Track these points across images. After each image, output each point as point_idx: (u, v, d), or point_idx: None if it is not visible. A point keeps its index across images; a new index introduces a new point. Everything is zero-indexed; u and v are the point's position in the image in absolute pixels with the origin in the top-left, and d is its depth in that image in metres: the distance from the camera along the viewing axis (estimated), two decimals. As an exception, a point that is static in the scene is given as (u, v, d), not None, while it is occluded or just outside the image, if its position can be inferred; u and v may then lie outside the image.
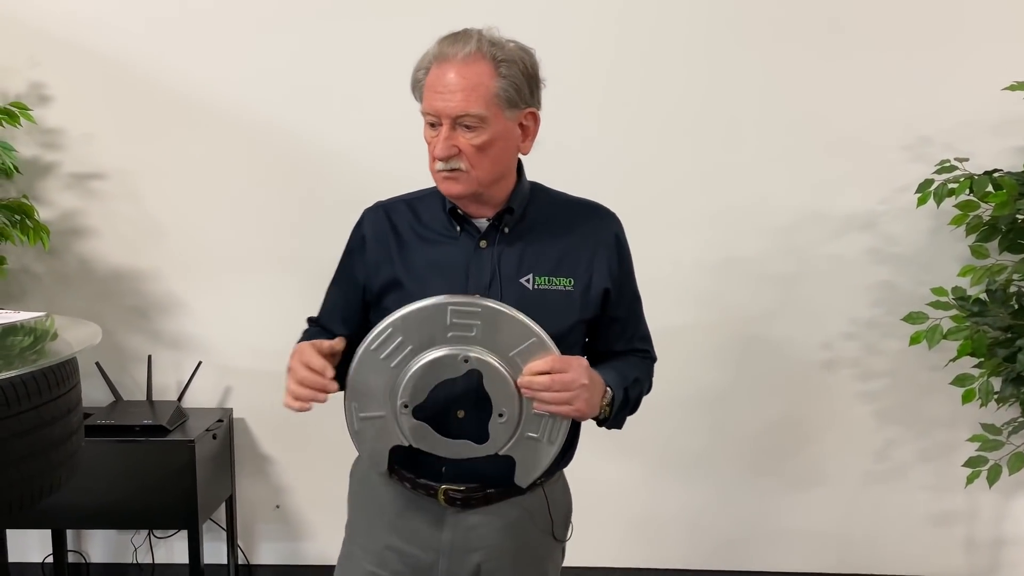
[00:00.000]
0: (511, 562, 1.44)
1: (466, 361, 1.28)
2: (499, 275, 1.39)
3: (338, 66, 2.65)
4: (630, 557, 2.89)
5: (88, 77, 2.67)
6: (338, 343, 1.34)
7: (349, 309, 1.49)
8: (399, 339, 1.29)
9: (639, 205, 2.67)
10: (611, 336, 1.50)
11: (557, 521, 1.51)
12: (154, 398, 2.71)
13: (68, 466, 1.65)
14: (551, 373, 1.26)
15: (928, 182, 2.46)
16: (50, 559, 2.82)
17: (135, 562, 2.90)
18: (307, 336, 1.49)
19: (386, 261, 1.43)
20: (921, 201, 2.46)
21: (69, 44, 2.65)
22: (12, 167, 2.40)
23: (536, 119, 1.41)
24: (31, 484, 1.53)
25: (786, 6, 2.62)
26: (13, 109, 2.47)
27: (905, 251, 2.70)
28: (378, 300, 1.44)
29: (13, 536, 2.78)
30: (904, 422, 2.78)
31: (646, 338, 1.58)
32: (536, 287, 1.40)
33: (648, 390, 1.54)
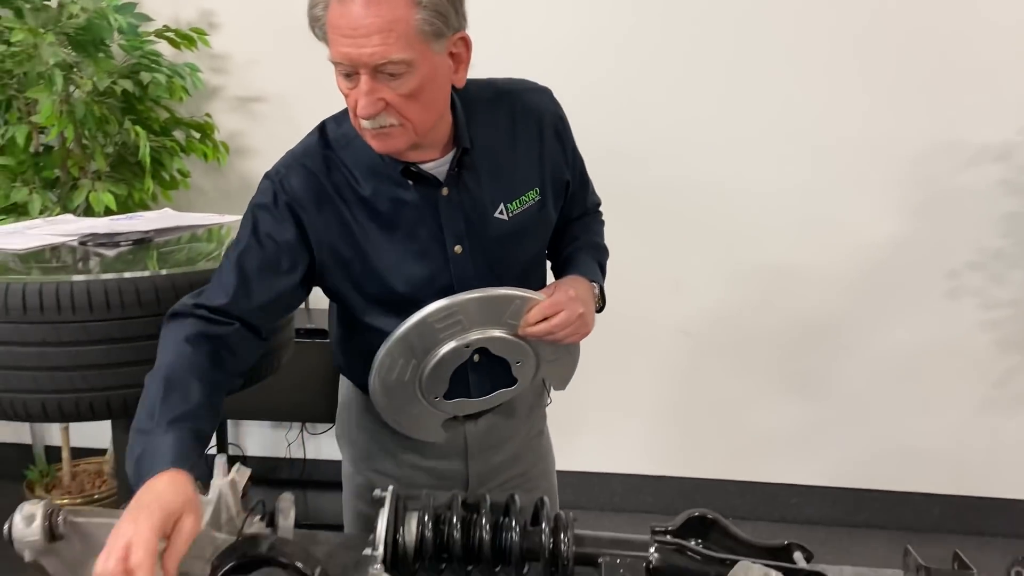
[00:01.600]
0: (527, 443, 1.53)
1: (468, 346, 1.30)
2: (473, 218, 1.30)
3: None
4: (747, 471, 3.04)
5: (253, 6, 2.86)
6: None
7: (284, 267, 1.27)
8: (400, 360, 1.30)
9: (767, 137, 2.78)
10: (570, 209, 1.46)
11: (548, 390, 1.56)
12: (311, 306, 2.95)
13: (283, 352, 1.88)
14: (547, 319, 1.28)
15: (1070, 112, 2.48)
16: (213, 450, 3.13)
17: (288, 456, 3.19)
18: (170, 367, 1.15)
19: (336, 231, 1.26)
20: (1062, 131, 2.49)
21: (236, -26, 2.85)
22: (198, 84, 2.62)
23: (467, 44, 1.20)
24: (262, 363, 1.76)
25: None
26: (192, 34, 2.68)
27: (1038, 182, 2.73)
28: (333, 271, 1.29)
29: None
30: (1025, 351, 2.85)
31: (588, 197, 1.52)
32: (511, 215, 1.32)
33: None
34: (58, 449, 3.00)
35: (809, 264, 2.85)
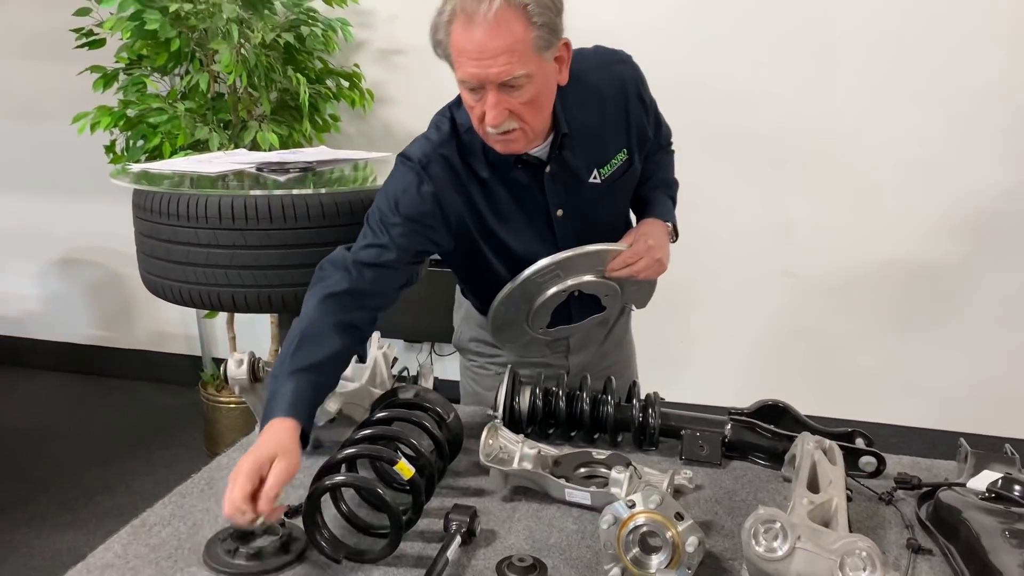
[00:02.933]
0: (614, 343, 1.79)
1: (565, 291, 1.53)
2: (572, 186, 1.50)
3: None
4: (848, 410, 3.15)
5: (396, -36, 3.15)
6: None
7: (426, 249, 1.48)
8: (512, 308, 1.56)
9: (886, 83, 2.84)
10: (648, 151, 1.62)
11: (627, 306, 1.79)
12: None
13: (422, 266, 2.17)
14: (630, 265, 1.50)
15: None
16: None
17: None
18: (310, 323, 1.33)
19: (467, 212, 1.46)
20: None
21: (381, -65, 3.13)
22: (348, 37, 2.94)
23: (568, 46, 1.37)
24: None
25: None
26: (342, -9, 2.99)
27: None
28: (468, 244, 1.50)
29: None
30: None
31: (662, 131, 1.68)
32: (603, 178, 1.52)
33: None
34: (221, 360, 3.45)
35: (922, 210, 2.91)
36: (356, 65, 3.10)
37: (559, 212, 1.52)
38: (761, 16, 2.88)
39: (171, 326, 3.82)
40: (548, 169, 1.47)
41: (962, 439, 1.42)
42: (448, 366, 3.50)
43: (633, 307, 1.78)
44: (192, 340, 3.75)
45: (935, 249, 2.94)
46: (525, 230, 1.51)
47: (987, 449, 1.45)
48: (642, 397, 1.48)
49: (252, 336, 3.42)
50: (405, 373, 1.55)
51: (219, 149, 2.66)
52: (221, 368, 1.34)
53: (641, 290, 1.65)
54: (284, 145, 2.81)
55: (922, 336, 3.03)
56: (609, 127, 1.51)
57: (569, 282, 1.52)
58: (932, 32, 2.77)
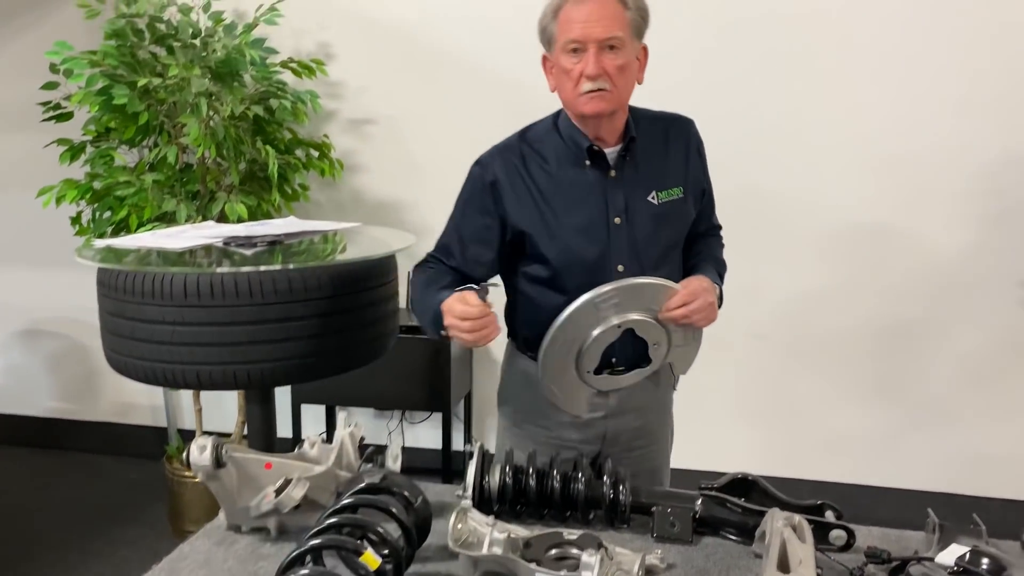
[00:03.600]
0: (655, 413, 1.82)
1: (619, 327, 1.57)
2: (632, 198, 1.63)
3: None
4: (819, 471, 3.17)
5: (365, 39, 3.21)
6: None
7: (490, 234, 1.67)
8: (569, 334, 1.57)
9: (842, 144, 2.92)
10: (699, 222, 1.77)
11: (676, 378, 1.85)
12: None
13: (390, 338, 2.16)
14: (685, 305, 1.56)
15: None
16: (324, 435, 3.46)
17: (388, 444, 3.49)
18: (428, 278, 1.70)
19: (527, 203, 1.62)
20: None
21: (350, 11, 3.20)
22: (317, 108, 2.98)
23: (647, 53, 1.64)
24: (373, 345, 2.05)
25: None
26: (311, 64, 3.03)
27: (1115, 194, 2.78)
28: (521, 240, 1.64)
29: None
30: (1103, 360, 2.89)
31: (713, 215, 1.86)
32: (660, 202, 1.65)
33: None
34: (190, 432, 3.39)
35: (883, 272, 2.97)
36: (325, 136, 3.13)
37: (616, 219, 1.63)
38: (726, 85, 2.96)
39: (136, 397, 3.75)
40: (612, 173, 1.63)
41: (930, 509, 1.43)
42: (420, 434, 3.47)
43: (673, 373, 1.78)
44: (158, 411, 3.68)
45: (898, 311, 3.00)
46: (583, 230, 1.62)
47: (955, 509, 1.46)
48: (613, 473, 1.47)
49: (219, 407, 3.37)
50: (374, 455, 1.53)
51: (187, 221, 2.66)
52: (184, 453, 1.31)
53: (687, 349, 1.69)
54: (253, 215, 2.81)
55: (890, 397, 3.06)
56: (671, 161, 1.69)
57: (625, 316, 1.56)
58: (888, 98, 2.88)
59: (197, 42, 2.85)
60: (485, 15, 3.09)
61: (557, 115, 1.70)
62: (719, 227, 1.90)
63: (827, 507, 1.43)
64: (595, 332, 1.57)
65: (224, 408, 3.36)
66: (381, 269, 2.08)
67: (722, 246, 1.88)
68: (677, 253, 1.75)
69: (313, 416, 3.44)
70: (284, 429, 3.26)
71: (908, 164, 2.90)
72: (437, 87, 3.18)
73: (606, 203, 1.63)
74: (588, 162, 1.63)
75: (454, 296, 1.49)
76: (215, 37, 2.86)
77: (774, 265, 3.05)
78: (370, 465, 1.50)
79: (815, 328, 3.06)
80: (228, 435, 3.45)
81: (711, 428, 3.22)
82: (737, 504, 1.42)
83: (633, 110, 1.68)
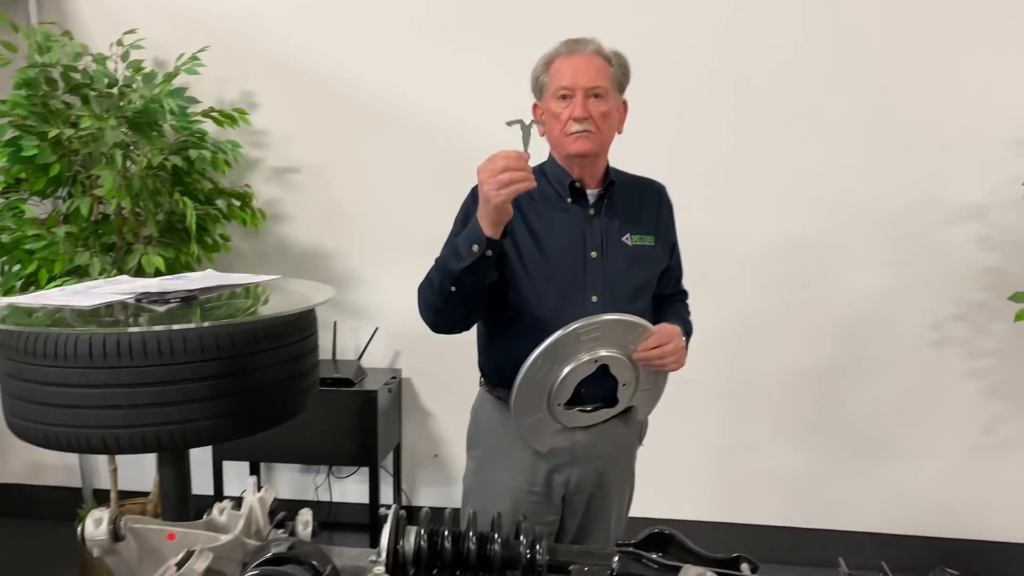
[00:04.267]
0: (618, 463, 1.88)
1: (596, 361, 1.64)
2: (607, 237, 1.77)
3: (497, 77, 3.06)
4: (737, 513, 3.19)
5: (289, 87, 3.19)
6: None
7: None
8: (546, 364, 1.62)
9: (760, 192, 3.01)
10: (665, 282, 1.91)
11: (644, 430, 1.97)
12: (338, 357, 3.20)
13: (310, 393, 2.11)
14: (660, 347, 1.66)
15: (1036, 175, 2.68)
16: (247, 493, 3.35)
17: (315, 499, 3.40)
18: (446, 256, 1.71)
19: (515, 227, 1.72)
20: (1029, 192, 2.68)
21: (274, 60, 3.18)
22: (239, 158, 2.93)
23: (626, 107, 1.82)
24: (291, 403, 2.00)
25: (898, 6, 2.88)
26: (233, 114, 3.00)
27: (1013, 239, 2.91)
28: (502, 266, 1.72)
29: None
30: (1011, 398, 2.99)
31: (681, 280, 2.02)
32: (634, 243, 1.79)
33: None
34: (105, 492, 3.25)
35: (805, 316, 3.05)
36: (247, 185, 3.08)
37: (593, 253, 1.76)
38: (651, 133, 3.02)
39: (48, 457, 3.57)
40: (592, 211, 1.78)
41: (841, 559, 1.44)
42: (348, 488, 3.39)
43: (636, 416, 1.83)
44: (71, 471, 3.52)
45: (820, 354, 3.07)
46: (562, 260, 1.75)
47: (880, 548, 1.48)
48: (530, 532, 1.45)
49: (136, 466, 3.24)
50: (284, 521, 1.48)
51: (100, 275, 2.57)
52: (78, 528, 1.25)
53: (652, 392, 1.76)
54: (171, 268, 2.74)
55: (812, 439, 3.12)
56: (644, 212, 1.84)
57: (603, 351, 1.62)
58: (807, 150, 2.98)
59: (115, 91, 2.80)
60: (410, 64, 3.11)
61: (542, 164, 1.83)
62: (686, 293, 2.03)
63: (743, 559, 1.43)
64: (573, 363, 1.62)
65: (142, 467, 3.23)
66: (299, 324, 2.04)
67: (689, 312, 1.99)
68: (648, 296, 1.85)
69: (236, 472, 3.34)
70: (205, 486, 3.17)
71: (825, 212, 2.99)
72: (362, 135, 3.18)
73: (584, 238, 1.76)
74: (570, 199, 1.77)
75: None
76: (133, 86, 2.81)
77: (700, 308, 3.09)
78: (280, 531, 1.45)
79: (741, 371, 3.11)
80: (146, 494, 3.32)
81: (640, 473, 3.22)
82: (653, 560, 1.41)
83: (613, 170, 1.84)
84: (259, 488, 1.48)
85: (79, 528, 1.29)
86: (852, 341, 3.05)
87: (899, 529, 3.11)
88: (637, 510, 3.13)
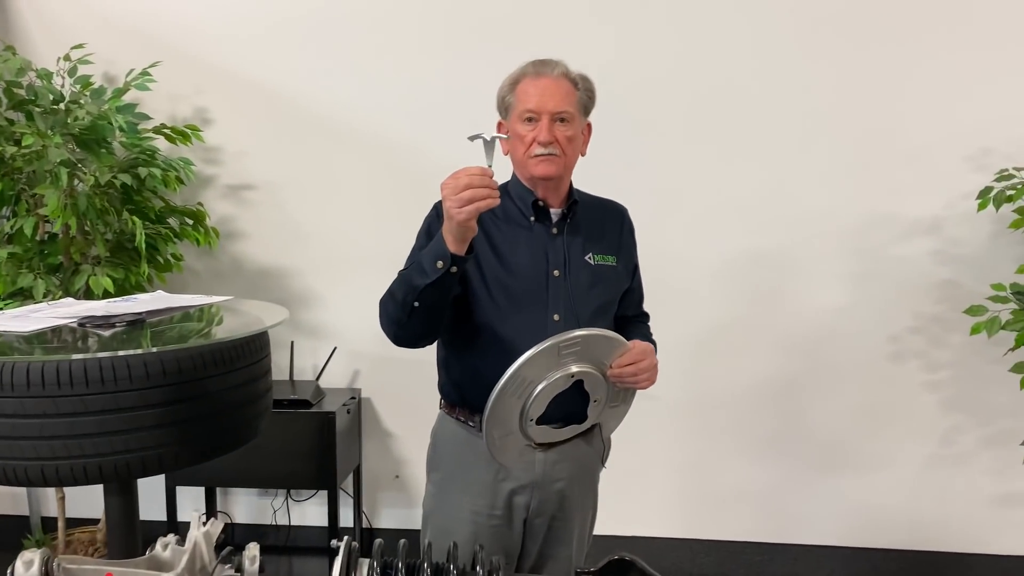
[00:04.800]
0: (580, 485, 1.84)
1: (572, 376, 1.62)
2: (570, 256, 1.77)
3: (457, 92, 3.04)
4: (702, 529, 3.18)
5: (243, 103, 3.13)
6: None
7: None
8: (523, 377, 1.57)
9: (719, 209, 3.01)
10: (628, 303, 1.91)
11: (606, 451, 1.93)
12: (295, 378, 3.14)
13: (262, 419, 2.05)
14: (635, 363, 1.65)
15: (988, 189, 2.71)
16: (203, 518, 3.26)
17: (274, 523, 3.32)
18: (410, 271, 1.66)
19: (478, 244, 1.67)
20: (981, 206, 2.71)
21: (228, 75, 3.12)
22: (190, 176, 2.86)
23: (590, 129, 1.83)
24: (243, 429, 1.94)
25: (859, 18, 2.91)
26: (186, 130, 2.93)
27: (967, 252, 2.95)
28: (465, 284, 1.71)
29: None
30: (967, 410, 3.02)
31: (642, 302, 2.02)
32: (596, 263, 1.79)
33: None
34: (54, 519, 3.14)
35: (766, 331, 3.05)
36: (200, 204, 3.01)
37: (555, 272, 1.75)
38: (610, 149, 3.01)
39: (-6, 484, 3.46)
40: (555, 230, 1.77)
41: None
42: (308, 511, 3.32)
43: (601, 433, 1.82)
44: (19, 499, 3.40)
45: (778, 370, 3.07)
46: (524, 278, 1.73)
47: (839, 561, 1.46)
48: (487, 562, 1.41)
49: (85, 492, 3.13)
50: (230, 557, 1.42)
51: (45, 297, 2.49)
52: (8, 570, 1.19)
53: (619, 410, 1.75)
54: (120, 289, 2.66)
55: (774, 453, 3.12)
56: (606, 233, 1.84)
57: (581, 366, 1.60)
58: (765, 164, 2.99)
59: (61, 107, 2.72)
60: (369, 77, 3.08)
61: (506, 183, 1.80)
62: (648, 315, 2.03)
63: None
64: (550, 378, 1.58)
65: (92, 493, 3.12)
66: (250, 348, 1.97)
67: (652, 333, 1.98)
68: (609, 315, 1.83)
69: (191, 497, 3.25)
70: (158, 512, 3.08)
71: (783, 227, 3.00)
72: (319, 150, 3.13)
73: (547, 256, 1.75)
74: (533, 217, 1.76)
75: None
76: (81, 102, 2.73)
77: (660, 324, 3.08)
78: (227, 567, 1.39)
79: (702, 386, 3.10)
80: (97, 521, 3.22)
81: (604, 490, 3.20)
82: (613, 589, 1.38)
83: (576, 191, 1.83)
84: (205, 521, 1.42)
85: (8, 570, 1.22)
86: (811, 355, 3.06)
87: (861, 542, 3.12)
88: (601, 528, 3.10)
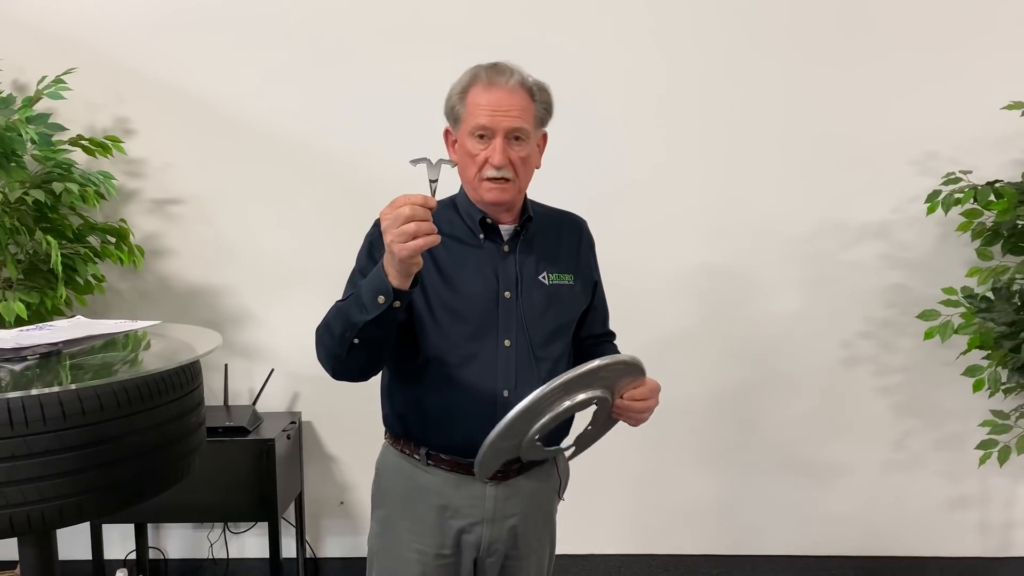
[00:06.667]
0: (535, 521, 1.72)
1: (592, 400, 1.51)
2: (522, 276, 1.64)
3: (396, 103, 2.91)
4: (659, 544, 3.11)
5: (168, 112, 2.94)
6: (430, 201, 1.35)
7: None
8: (562, 394, 1.46)
9: (671, 218, 2.95)
10: (592, 322, 1.80)
11: (563, 484, 1.83)
12: (230, 403, 2.96)
13: (194, 456, 1.89)
14: (644, 400, 1.57)
15: (936, 193, 2.70)
16: (133, 555, 3.06)
17: (211, 557, 3.13)
18: (347, 304, 1.49)
19: (430, 266, 1.57)
20: (930, 210, 2.71)
21: (151, 82, 2.93)
22: (111, 191, 2.67)
23: (546, 139, 1.69)
24: (173, 468, 1.77)
25: (805, 26, 2.89)
26: (106, 142, 2.74)
27: (916, 256, 2.95)
28: (409, 307, 1.55)
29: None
30: (919, 414, 3.02)
31: (607, 320, 1.90)
32: (551, 283, 1.66)
33: None
34: (-34, 565, 2.89)
35: (720, 338, 3.00)
36: (122, 220, 2.81)
37: (507, 293, 1.62)
38: (567, 158, 2.92)
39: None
40: (506, 248, 1.64)
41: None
42: (247, 543, 3.15)
43: (576, 450, 1.69)
44: (-74, 543, 3.13)
45: (730, 377, 3.03)
46: (473, 300, 1.60)
47: (796, 571, 1.39)
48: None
49: None
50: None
51: (-51, 326, 2.27)
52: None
53: (594, 432, 1.64)
54: (36, 314, 2.46)
55: (727, 463, 3.08)
56: (563, 249, 1.72)
57: (605, 391, 1.52)
58: (715, 171, 2.94)
59: (-36, 118, 2.50)
60: (303, 84, 2.92)
61: (453, 197, 1.69)
62: (614, 334, 1.91)
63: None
64: (580, 397, 1.49)
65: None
66: (180, 379, 1.81)
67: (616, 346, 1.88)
68: (566, 338, 1.71)
69: (120, 533, 3.05)
70: (83, 551, 2.87)
71: (734, 235, 2.96)
72: (251, 162, 2.96)
73: (497, 277, 1.63)
74: (482, 236, 1.63)
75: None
76: (-14, 113, 2.52)
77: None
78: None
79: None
80: (14, 565, 2.97)
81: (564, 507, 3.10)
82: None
83: (531, 203, 1.71)
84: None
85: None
86: (765, 363, 3.02)
87: (818, 550, 3.09)
88: (558, 547, 3.01)
